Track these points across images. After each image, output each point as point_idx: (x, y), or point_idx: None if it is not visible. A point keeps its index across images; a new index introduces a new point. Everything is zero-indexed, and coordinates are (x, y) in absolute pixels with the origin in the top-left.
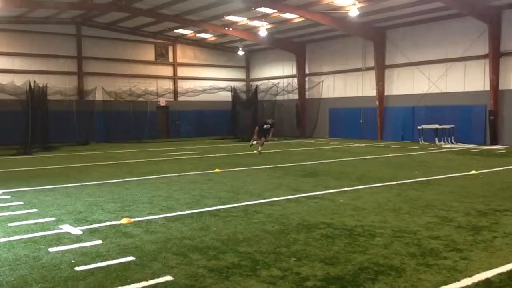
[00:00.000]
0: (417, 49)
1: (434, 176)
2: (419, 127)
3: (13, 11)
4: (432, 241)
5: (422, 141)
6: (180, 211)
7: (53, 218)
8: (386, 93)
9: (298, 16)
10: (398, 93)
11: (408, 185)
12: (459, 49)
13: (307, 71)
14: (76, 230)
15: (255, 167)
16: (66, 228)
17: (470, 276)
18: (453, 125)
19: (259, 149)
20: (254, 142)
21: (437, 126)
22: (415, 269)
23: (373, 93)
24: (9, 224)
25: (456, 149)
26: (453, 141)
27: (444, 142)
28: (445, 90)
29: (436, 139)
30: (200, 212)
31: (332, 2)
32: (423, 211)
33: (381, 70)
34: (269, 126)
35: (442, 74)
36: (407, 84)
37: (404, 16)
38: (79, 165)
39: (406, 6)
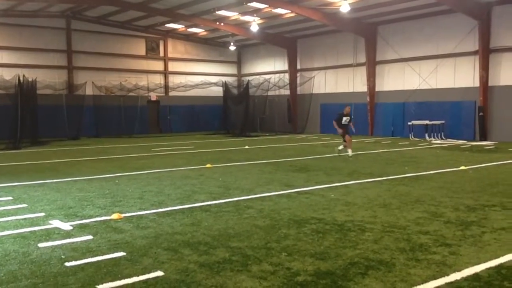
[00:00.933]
0: (408, 45)
1: (424, 171)
2: (409, 123)
3: (1, 4)
4: (422, 236)
5: (412, 137)
6: (171, 207)
7: (42, 214)
8: (377, 89)
9: (289, 11)
10: (388, 89)
11: (398, 180)
12: (450, 45)
13: (298, 67)
14: (66, 226)
15: (247, 163)
16: (56, 223)
17: (459, 270)
18: (443, 121)
19: (349, 152)
20: (341, 147)
21: (427, 122)
22: (404, 264)
23: (364, 89)
24: None
25: (446, 145)
26: (443, 136)
27: (434, 137)
28: (435, 86)
29: (426, 134)
30: (192, 207)
31: None
32: (412, 207)
33: (372, 66)
34: (349, 118)
35: (433, 70)
36: (397, 80)
37: (395, 12)
38: (69, 160)
39: (397, 2)
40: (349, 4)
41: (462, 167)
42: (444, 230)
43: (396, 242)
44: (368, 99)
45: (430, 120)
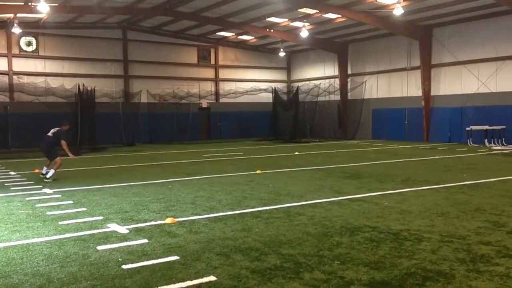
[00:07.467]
0: (465, 47)
1: (484, 179)
2: (467, 128)
3: (62, 16)
4: (483, 247)
5: (471, 143)
6: (223, 212)
7: (101, 217)
8: (432, 93)
9: (340, 16)
10: (445, 93)
11: (457, 188)
12: (510, 47)
13: (349, 72)
14: (123, 229)
15: (297, 169)
16: (113, 227)
17: None
18: (503, 126)
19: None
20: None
21: (486, 127)
22: (465, 275)
23: (419, 93)
24: (60, 222)
25: (507, 151)
26: (504, 142)
27: (495, 143)
28: (495, 90)
29: (486, 140)
30: (242, 213)
31: (376, 1)
32: (472, 216)
33: (427, 69)
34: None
35: (492, 73)
36: (454, 83)
37: (452, 14)
38: (125, 165)
39: (453, 4)
40: (402, 7)
41: None
42: (507, 240)
43: (455, 253)
44: (423, 103)
45: (489, 125)
